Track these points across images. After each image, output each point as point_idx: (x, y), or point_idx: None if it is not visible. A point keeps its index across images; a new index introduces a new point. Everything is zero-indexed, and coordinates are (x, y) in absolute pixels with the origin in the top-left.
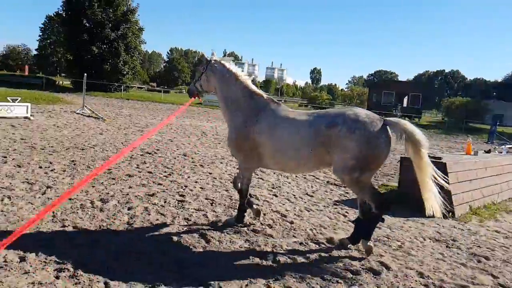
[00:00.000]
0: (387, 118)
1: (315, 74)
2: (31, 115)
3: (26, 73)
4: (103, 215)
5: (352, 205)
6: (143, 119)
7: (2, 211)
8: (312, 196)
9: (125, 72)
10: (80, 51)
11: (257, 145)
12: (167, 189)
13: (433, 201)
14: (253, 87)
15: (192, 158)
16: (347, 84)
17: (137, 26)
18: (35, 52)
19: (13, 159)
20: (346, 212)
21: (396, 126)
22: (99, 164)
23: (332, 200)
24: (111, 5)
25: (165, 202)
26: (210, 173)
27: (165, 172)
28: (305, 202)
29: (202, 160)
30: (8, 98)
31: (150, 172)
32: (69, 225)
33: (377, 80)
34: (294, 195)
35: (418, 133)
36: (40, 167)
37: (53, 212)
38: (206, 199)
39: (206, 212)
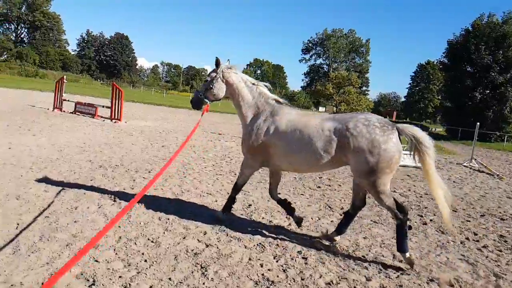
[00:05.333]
0: (398, 124)
1: None
2: None
3: (393, 118)
4: None
5: None
6: None
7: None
8: None
9: (511, 120)
10: (460, 98)
11: (269, 145)
12: None
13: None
14: (268, 92)
15: None
16: None
17: None
18: (403, 99)
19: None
20: None
21: (406, 132)
22: None
23: None
24: (501, 46)
25: None
26: None
27: None
28: None
29: None
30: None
31: None
32: None
33: None
34: None
35: (427, 139)
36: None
37: None
38: None
39: None
